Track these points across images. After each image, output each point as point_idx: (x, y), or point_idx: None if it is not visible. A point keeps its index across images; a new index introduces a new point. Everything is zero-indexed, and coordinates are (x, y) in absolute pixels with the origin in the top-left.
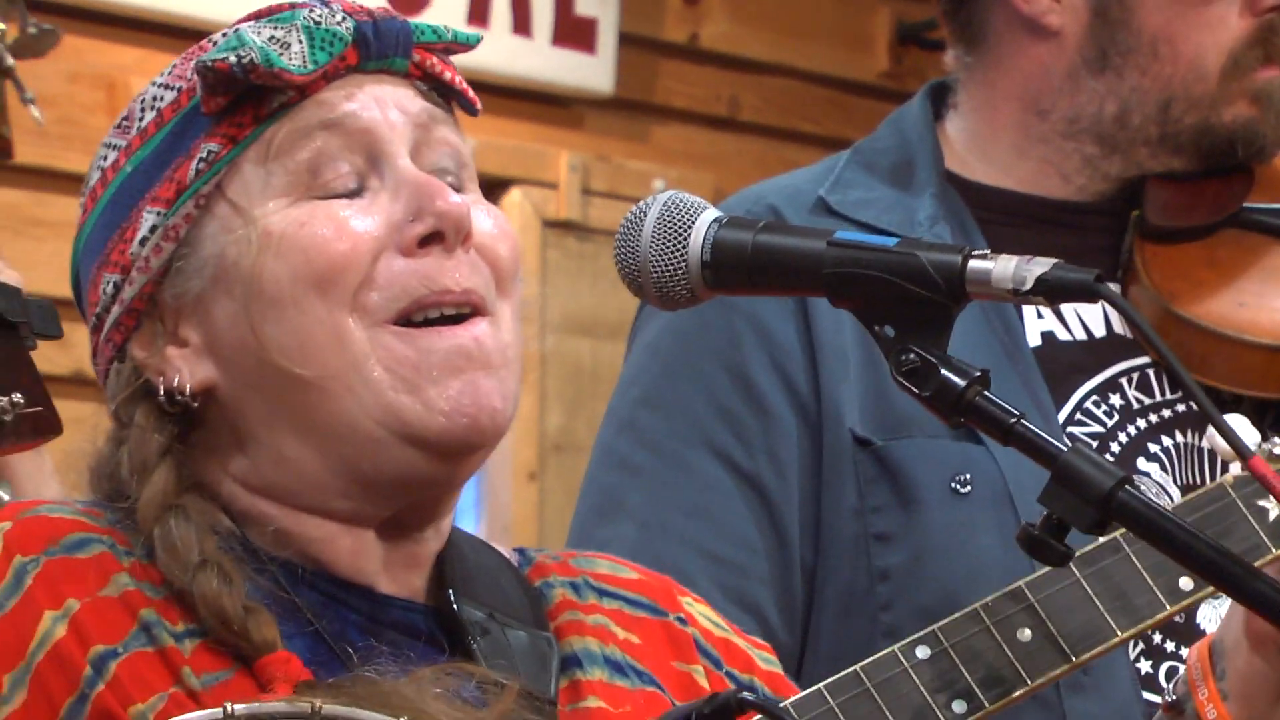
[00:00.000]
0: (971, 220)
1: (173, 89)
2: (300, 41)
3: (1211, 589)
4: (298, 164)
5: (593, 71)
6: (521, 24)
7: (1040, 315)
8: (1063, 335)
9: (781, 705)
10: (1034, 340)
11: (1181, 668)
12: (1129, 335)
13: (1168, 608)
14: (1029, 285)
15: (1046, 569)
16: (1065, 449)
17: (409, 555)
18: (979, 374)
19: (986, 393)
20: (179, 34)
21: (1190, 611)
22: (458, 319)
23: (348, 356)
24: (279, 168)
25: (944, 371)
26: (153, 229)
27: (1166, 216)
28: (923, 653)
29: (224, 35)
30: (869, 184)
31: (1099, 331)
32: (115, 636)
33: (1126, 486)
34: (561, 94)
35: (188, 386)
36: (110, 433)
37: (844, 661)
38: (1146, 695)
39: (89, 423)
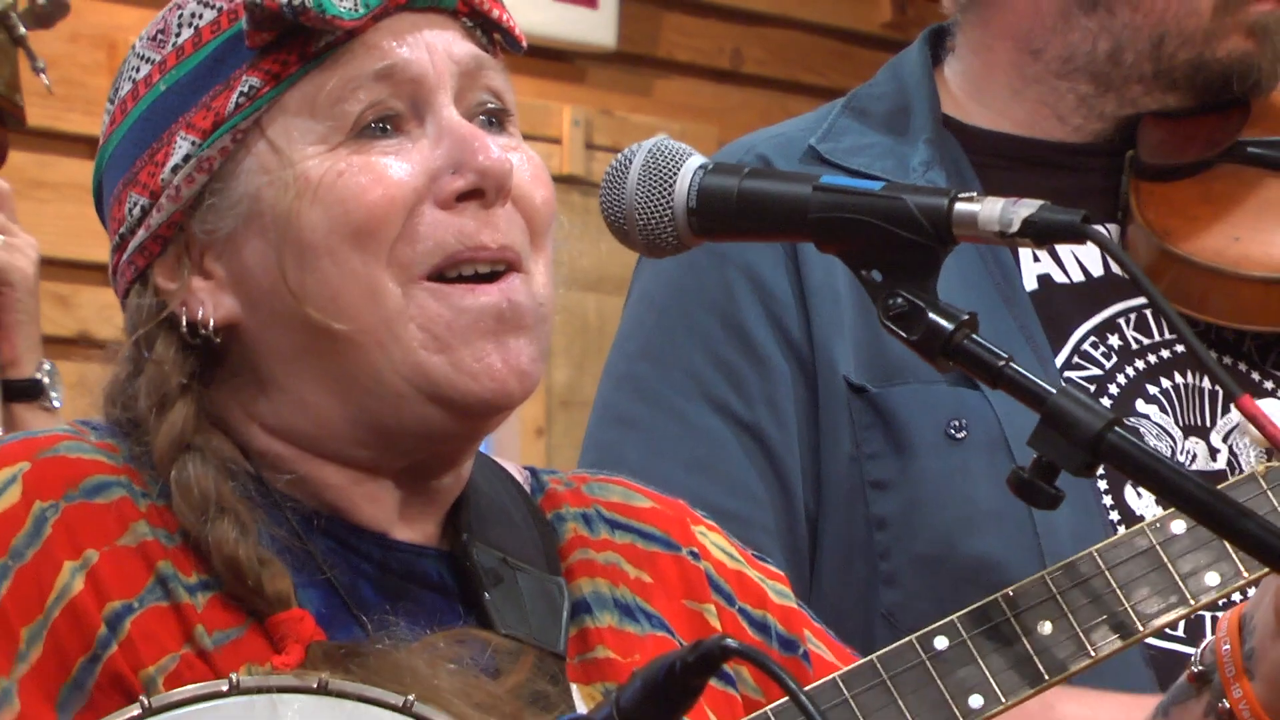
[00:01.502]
0: (968, 165)
1: (213, 8)
2: None
3: (1239, 584)
4: (344, 113)
5: (595, 25)
6: None
7: (1037, 258)
8: (1059, 277)
9: (765, 654)
10: (1030, 284)
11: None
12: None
13: (1192, 603)
14: (1016, 227)
15: (1070, 560)
16: (1054, 391)
17: (426, 501)
18: (967, 317)
19: (975, 335)
20: None
21: None
22: (492, 276)
23: (382, 312)
24: (324, 114)
25: (932, 315)
26: (186, 158)
27: (1160, 154)
28: (941, 644)
29: None
30: (862, 131)
31: (1096, 272)
32: (132, 590)
33: (1116, 428)
34: (564, 48)
35: (211, 320)
36: (127, 357)
37: (846, 609)
38: (1149, 640)
39: (92, 384)
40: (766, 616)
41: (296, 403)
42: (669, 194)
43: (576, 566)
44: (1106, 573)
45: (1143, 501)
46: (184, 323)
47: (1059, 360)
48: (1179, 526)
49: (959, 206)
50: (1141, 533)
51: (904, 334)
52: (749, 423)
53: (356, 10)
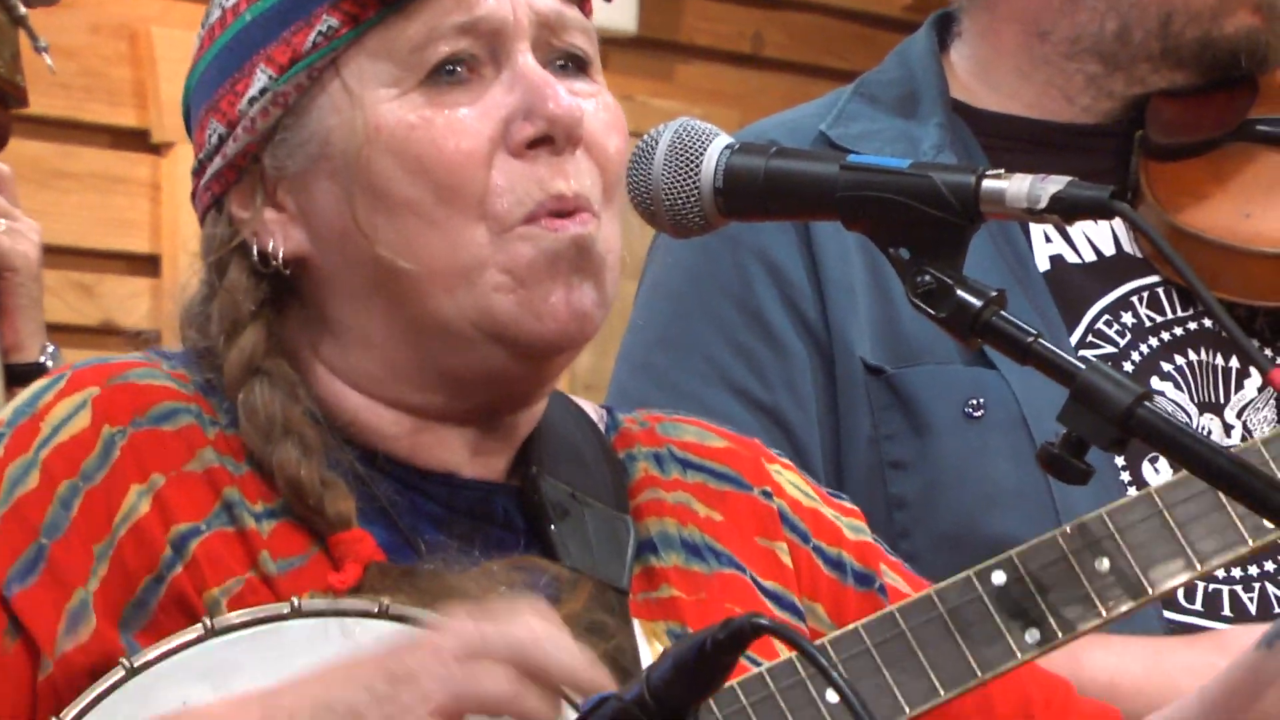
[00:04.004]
0: (978, 148)
1: None
2: None
3: None
4: (422, 60)
5: (616, 11)
6: None
7: (1048, 239)
8: (1071, 258)
9: (794, 629)
10: (1043, 264)
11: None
12: (1138, 254)
13: (1250, 543)
14: (1044, 203)
15: (1129, 499)
16: (1084, 366)
17: (497, 438)
18: (995, 294)
19: (1004, 312)
20: None
21: None
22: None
23: (464, 258)
24: (401, 60)
25: (960, 292)
26: (262, 91)
27: (1169, 134)
28: (999, 579)
29: None
30: (873, 116)
31: (1108, 251)
32: (199, 514)
33: (1145, 402)
34: None
35: (280, 252)
36: (202, 281)
37: None
38: (1168, 614)
39: None
40: (842, 554)
41: (362, 342)
42: (695, 174)
43: (645, 506)
44: (1165, 512)
45: (1160, 478)
46: (255, 252)
47: (1073, 339)
48: None
49: (987, 183)
50: None
51: (932, 311)
52: (769, 406)
53: None
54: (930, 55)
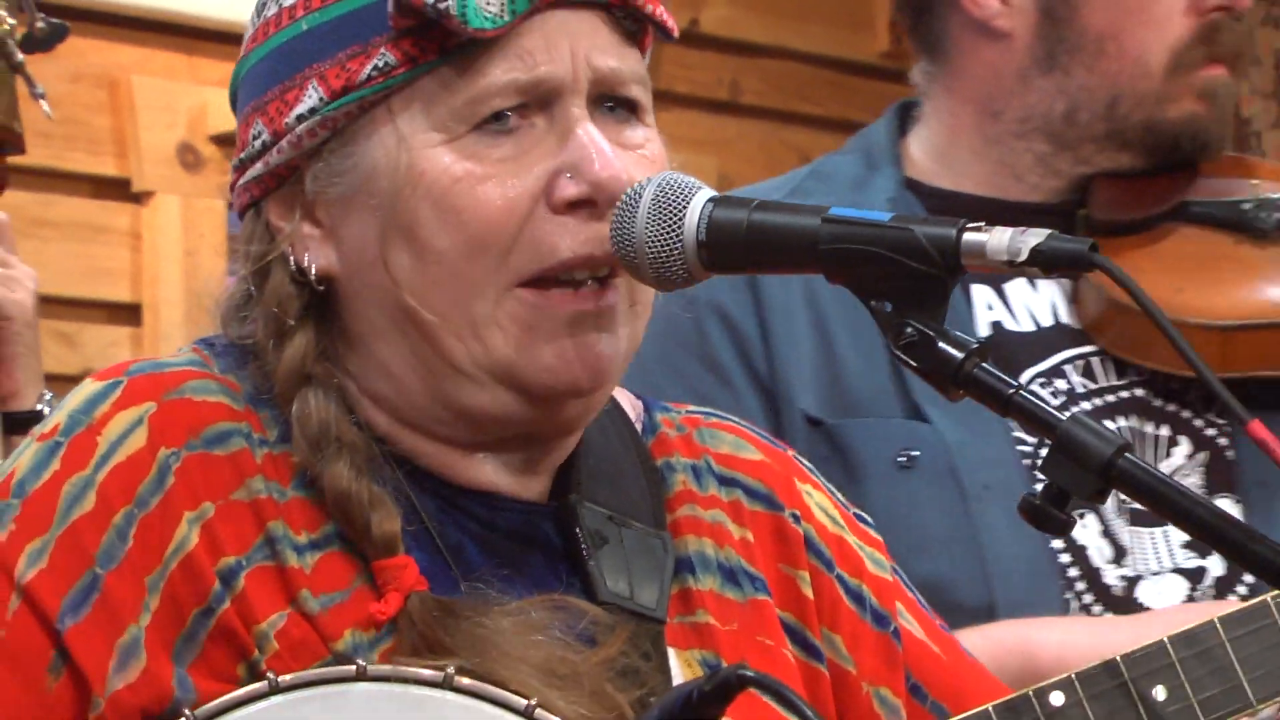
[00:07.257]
0: None
1: None
2: None
3: None
4: (474, 113)
5: None
6: None
7: (990, 306)
8: (1011, 325)
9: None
10: (983, 329)
11: None
12: (1076, 326)
13: None
14: (1024, 256)
15: (1194, 626)
16: (1065, 418)
17: (533, 462)
18: (977, 346)
19: (985, 364)
20: (181, 33)
21: (1132, 584)
22: (596, 281)
23: (474, 312)
24: (453, 109)
25: (942, 344)
26: (312, 110)
27: (1110, 211)
28: (1057, 699)
29: None
30: (826, 192)
31: (1046, 322)
32: (243, 547)
33: (1126, 454)
34: None
35: (314, 268)
36: (241, 281)
37: None
38: None
39: None
40: (862, 587)
41: (381, 369)
42: (679, 227)
43: (683, 522)
44: (1227, 644)
45: (1087, 532)
46: (292, 262)
47: None
48: None
49: (967, 236)
50: (1264, 605)
51: (914, 363)
52: None
53: (502, 17)
54: (889, 137)
